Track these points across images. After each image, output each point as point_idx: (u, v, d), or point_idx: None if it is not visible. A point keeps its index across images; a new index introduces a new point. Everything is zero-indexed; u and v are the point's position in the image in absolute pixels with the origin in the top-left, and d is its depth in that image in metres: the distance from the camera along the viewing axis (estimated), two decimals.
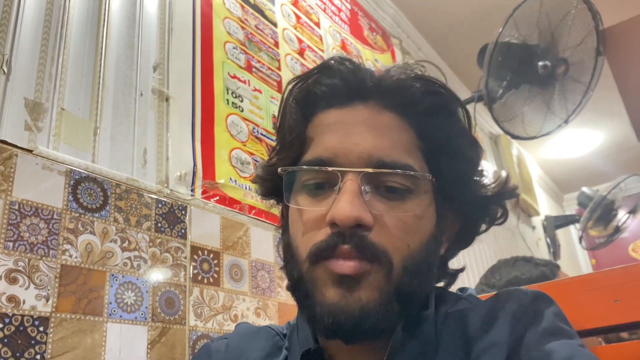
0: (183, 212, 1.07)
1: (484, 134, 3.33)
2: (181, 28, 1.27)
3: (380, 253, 0.46)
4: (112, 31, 1.09)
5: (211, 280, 1.06)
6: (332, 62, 0.52)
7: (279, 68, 1.58)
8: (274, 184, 0.55)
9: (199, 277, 1.04)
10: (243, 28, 1.49)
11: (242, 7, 1.53)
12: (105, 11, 1.09)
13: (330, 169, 0.47)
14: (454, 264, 0.58)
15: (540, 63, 1.46)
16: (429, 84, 0.51)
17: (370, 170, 0.47)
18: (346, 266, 0.45)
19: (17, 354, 0.72)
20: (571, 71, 1.45)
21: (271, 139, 1.41)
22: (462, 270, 0.58)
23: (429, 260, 0.49)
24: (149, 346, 0.90)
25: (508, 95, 1.68)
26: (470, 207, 0.54)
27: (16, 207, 0.79)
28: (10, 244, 0.77)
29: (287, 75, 1.60)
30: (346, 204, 0.45)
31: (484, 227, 0.57)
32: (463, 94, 2.94)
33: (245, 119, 1.34)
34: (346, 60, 0.52)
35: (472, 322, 0.50)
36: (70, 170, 0.89)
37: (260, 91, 1.45)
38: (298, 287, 0.49)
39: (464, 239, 0.56)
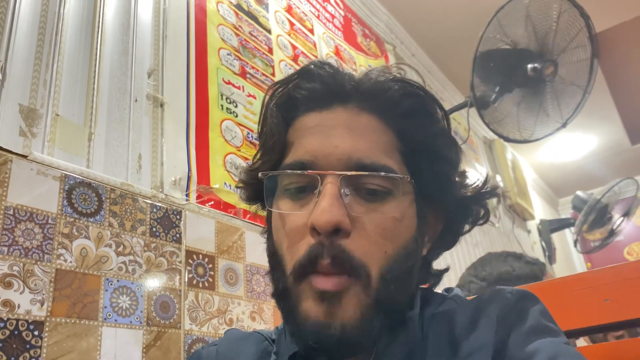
0: (178, 217, 1.07)
1: (478, 138, 3.35)
2: (175, 34, 1.28)
3: (358, 266, 0.46)
4: (106, 37, 1.10)
5: (206, 284, 1.07)
6: (312, 66, 0.53)
7: (273, 74, 1.59)
8: (258, 188, 0.55)
9: (194, 281, 1.05)
10: (237, 35, 1.50)
11: (236, 14, 1.54)
12: (100, 18, 1.10)
13: (309, 172, 0.48)
14: (441, 264, 0.58)
15: (530, 65, 1.48)
16: (407, 86, 0.52)
17: (349, 173, 0.47)
18: (327, 282, 0.45)
19: (12, 359, 0.73)
20: (561, 72, 1.46)
21: None
22: (446, 270, 0.57)
23: (408, 264, 0.49)
24: (144, 350, 0.90)
25: (501, 100, 1.69)
26: (451, 207, 0.54)
27: (11, 212, 0.80)
28: (5, 249, 0.77)
29: None
30: (325, 208, 0.45)
31: (467, 227, 0.57)
32: (457, 99, 2.95)
33: (239, 124, 1.35)
34: (325, 65, 0.53)
35: (459, 322, 0.50)
36: (65, 175, 0.89)
37: (254, 97, 1.46)
38: (283, 299, 0.49)
39: (447, 240, 0.57)
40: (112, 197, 0.96)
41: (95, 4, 1.10)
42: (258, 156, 0.55)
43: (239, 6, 1.57)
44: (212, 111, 1.28)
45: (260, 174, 0.51)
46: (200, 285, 1.06)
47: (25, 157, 0.85)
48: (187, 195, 1.12)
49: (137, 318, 0.91)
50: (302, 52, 1.81)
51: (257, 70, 1.52)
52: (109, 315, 0.87)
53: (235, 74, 1.42)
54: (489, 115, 1.71)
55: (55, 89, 0.95)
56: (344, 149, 0.48)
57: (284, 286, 0.49)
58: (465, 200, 0.55)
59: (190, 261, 1.05)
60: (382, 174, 0.47)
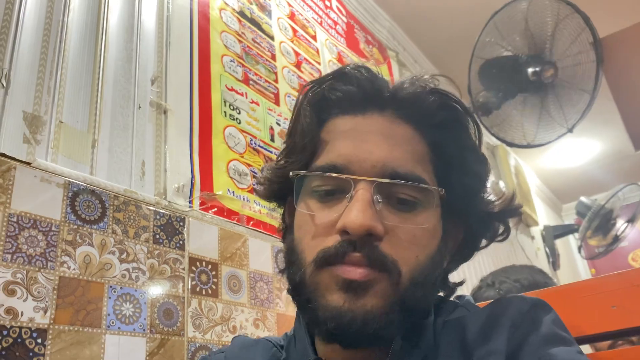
0: (181, 224, 1.07)
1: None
2: (179, 41, 1.28)
3: (389, 263, 0.45)
4: (110, 45, 1.10)
5: (209, 291, 1.06)
6: (349, 68, 0.52)
7: (276, 80, 1.59)
8: (280, 186, 0.54)
9: (198, 289, 1.04)
10: (240, 41, 1.51)
11: (239, 21, 1.55)
12: (104, 25, 1.10)
13: (344, 176, 0.47)
14: (453, 276, 0.58)
15: (530, 70, 1.48)
16: (445, 98, 0.51)
17: (384, 180, 0.47)
18: (355, 272, 0.44)
19: None
20: (562, 75, 1.46)
21: (269, 151, 1.42)
22: (461, 283, 0.57)
23: (434, 273, 0.49)
24: (147, 358, 0.89)
25: (504, 105, 1.69)
26: (473, 222, 0.54)
27: (14, 219, 0.80)
28: (9, 256, 0.77)
29: (284, 88, 1.61)
30: (359, 212, 0.44)
31: (484, 242, 0.57)
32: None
33: (242, 131, 1.35)
34: (363, 68, 0.52)
35: (471, 329, 0.49)
36: (69, 182, 0.89)
37: (257, 103, 1.46)
38: (299, 291, 0.48)
39: (465, 253, 0.56)
40: (115, 204, 0.96)
41: (99, 12, 1.10)
42: (285, 154, 0.54)
43: (242, 13, 1.57)
44: (215, 118, 1.28)
45: (291, 173, 0.50)
46: (204, 292, 1.05)
47: (29, 164, 0.85)
48: (190, 202, 1.12)
49: (140, 325, 0.91)
50: (305, 59, 1.81)
51: (260, 77, 1.52)
52: (113, 322, 0.87)
53: (238, 80, 1.42)
54: (492, 121, 1.71)
55: (59, 96, 0.96)
56: (379, 156, 0.48)
57: (302, 277, 0.48)
58: (489, 216, 0.54)
59: (193, 268, 1.05)
60: (417, 184, 0.47)
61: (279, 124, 1.51)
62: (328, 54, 1.99)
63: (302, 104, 0.53)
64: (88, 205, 0.91)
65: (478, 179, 0.53)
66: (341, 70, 0.53)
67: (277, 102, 1.55)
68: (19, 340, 0.74)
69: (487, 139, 3.38)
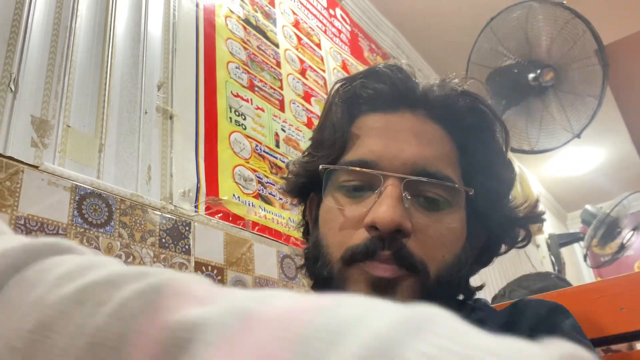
0: (187, 228, 1.07)
1: None
2: (184, 48, 1.29)
3: (417, 262, 0.46)
4: (117, 51, 1.11)
5: None
6: (381, 66, 0.53)
7: (281, 87, 1.60)
8: (306, 181, 0.55)
9: None
10: (245, 49, 1.52)
11: (245, 28, 1.56)
12: (111, 31, 1.11)
13: (374, 171, 0.48)
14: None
15: (531, 75, 1.48)
16: (475, 101, 0.52)
17: (414, 177, 0.47)
18: (384, 269, 0.45)
19: None
20: (563, 78, 1.47)
21: (274, 157, 1.42)
22: (481, 287, 0.57)
23: (459, 274, 0.50)
24: None
25: (509, 112, 1.70)
26: (496, 226, 0.54)
27: (22, 222, 0.80)
28: None
29: (289, 94, 1.62)
30: (388, 207, 0.45)
31: (504, 248, 0.57)
32: None
33: (248, 137, 1.36)
34: (395, 67, 0.53)
35: (488, 332, 0.49)
36: (76, 186, 0.90)
37: (262, 109, 1.46)
38: (326, 285, 0.49)
39: (484, 258, 0.56)
40: (122, 207, 0.96)
41: (106, 18, 1.12)
42: (314, 149, 0.55)
43: (247, 21, 1.58)
44: (220, 123, 1.29)
45: (321, 167, 0.51)
46: None
47: (36, 167, 0.86)
48: (196, 206, 1.12)
49: None
50: (310, 66, 1.82)
51: (266, 84, 1.53)
52: None
53: (243, 87, 1.43)
54: None
55: (67, 100, 0.96)
56: (410, 154, 0.48)
57: (329, 273, 0.48)
58: (512, 221, 0.54)
59: (199, 273, 1.05)
60: (446, 183, 0.48)
61: (284, 130, 1.51)
62: (332, 62, 2.00)
63: (333, 100, 0.54)
64: (95, 209, 0.91)
65: (503, 183, 0.53)
66: (373, 68, 0.53)
67: (282, 109, 1.55)
68: None
69: None
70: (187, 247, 1.05)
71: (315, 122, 1.71)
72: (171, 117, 1.17)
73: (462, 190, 0.49)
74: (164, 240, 1.01)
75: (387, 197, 0.45)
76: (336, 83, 0.55)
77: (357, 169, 0.48)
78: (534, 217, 0.56)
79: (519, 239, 0.56)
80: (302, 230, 0.57)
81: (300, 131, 1.59)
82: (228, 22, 1.50)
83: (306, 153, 0.56)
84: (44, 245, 0.26)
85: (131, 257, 0.94)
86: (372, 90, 0.52)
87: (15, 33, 0.92)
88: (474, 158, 0.51)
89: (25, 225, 0.80)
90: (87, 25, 1.07)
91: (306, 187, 0.56)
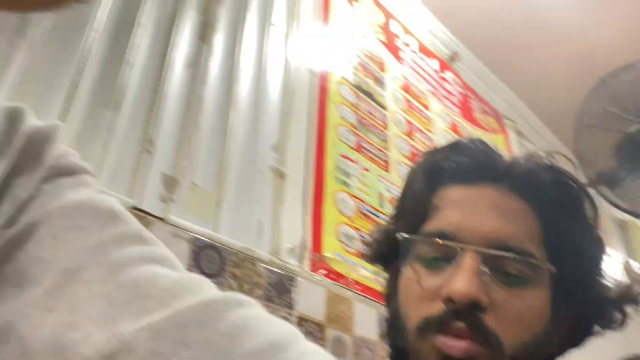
0: (291, 283, 1.12)
1: (609, 218, 3.10)
2: (299, 112, 1.39)
3: (492, 338, 0.44)
4: (239, 115, 1.23)
5: None
6: (463, 140, 0.54)
7: (387, 148, 1.64)
8: (387, 249, 0.55)
9: None
10: (355, 112, 1.59)
11: (356, 94, 1.64)
12: (234, 97, 1.23)
13: (452, 243, 0.47)
14: None
15: None
16: (561, 176, 0.51)
17: (492, 251, 0.46)
18: (456, 348, 0.44)
19: None
20: None
21: (377, 216, 1.45)
22: None
23: (539, 356, 0.48)
24: None
25: (632, 177, 1.59)
26: (586, 306, 0.52)
27: None
28: None
29: (395, 155, 1.66)
30: (464, 281, 0.44)
31: (597, 329, 0.53)
32: (582, 179, 2.79)
33: (353, 196, 1.40)
34: (477, 141, 0.53)
35: None
36: (195, 238, 0.99)
37: (368, 170, 1.51)
38: (402, 356, 0.49)
39: (575, 339, 0.53)
40: (234, 260, 1.03)
41: (231, 85, 1.24)
42: (395, 218, 0.56)
43: (358, 87, 1.67)
44: (328, 182, 1.35)
45: (399, 236, 0.51)
46: None
47: (162, 220, 0.96)
48: (300, 262, 1.17)
49: None
50: (417, 128, 1.85)
51: (372, 145, 1.58)
52: None
53: (351, 148, 1.49)
54: (618, 194, 1.60)
55: (193, 160, 1.08)
56: (490, 228, 0.48)
57: (404, 343, 0.48)
58: (604, 301, 0.52)
59: (300, 328, 1.08)
60: (527, 259, 0.47)
61: (388, 191, 1.54)
62: (441, 123, 2.02)
63: (416, 171, 0.55)
64: (210, 260, 0.99)
65: (593, 262, 0.51)
66: (456, 141, 0.54)
67: (387, 169, 1.59)
68: None
69: (617, 213, 3.12)
70: (290, 301, 1.09)
71: None
72: (282, 176, 1.25)
73: (544, 268, 0.47)
74: (270, 293, 1.06)
75: (464, 270, 0.45)
76: (420, 155, 0.56)
77: (436, 240, 0.48)
78: (629, 299, 0.52)
79: (614, 321, 0.52)
80: (386, 298, 0.57)
81: None
82: (340, 88, 1.58)
83: (388, 222, 0.57)
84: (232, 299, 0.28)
85: None
86: (454, 163, 0.52)
87: (154, 100, 1.06)
88: (560, 235, 0.49)
89: None
90: (215, 92, 1.20)
91: (387, 254, 0.56)
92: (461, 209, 0.50)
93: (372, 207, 1.45)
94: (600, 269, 0.52)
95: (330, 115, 1.49)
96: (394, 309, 0.52)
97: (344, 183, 1.40)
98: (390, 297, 0.55)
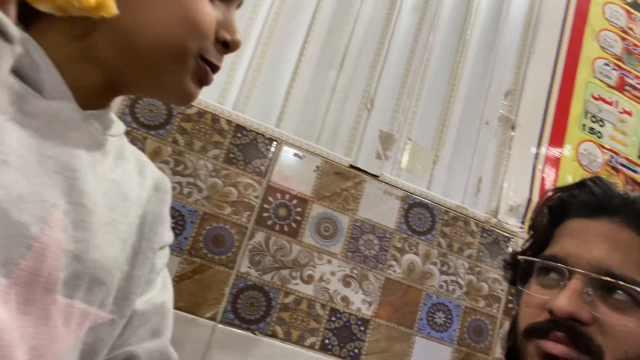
0: (507, 244, 1.08)
1: None
2: (543, 49, 1.23)
3: (593, 347, 0.48)
4: (467, 61, 1.16)
5: None
6: (587, 180, 0.59)
7: None
8: (515, 272, 0.62)
9: (513, 312, 1.05)
10: (623, 39, 1.32)
11: (629, 13, 1.35)
12: (464, 42, 1.16)
13: (559, 265, 0.53)
14: None
15: None
16: None
17: (595, 275, 0.50)
18: (557, 349, 0.49)
19: (342, 344, 0.92)
20: None
21: (634, 170, 1.23)
22: None
23: None
24: None
25: None
26: None
27: (358, 224, 0.98)
28: (350, 254, 0.96)
29: None
30: (564, 298, 0.50)
31: None
32: None
33: (602, 147, 1.22)
34: (598, 179, 0.59)
35: None
36: (407, 195, 1.02)
37: (630, 113, 1.27)
38: (512, 354, 0.57)
39: None
40: (445, 218, 1.04)
41: (463, 26, 1.16)
42: (527, 246, 0.63)
43: (634, 4, 1.36)
44: (570, 132, 1.20)
45: (519, 257, 0.59)
46: None
47: (376, 177, 1.01)
48: (522, 222, 1.11)
49: (449, 335, 0.99)
50: None
51: None
52: (424, 327, 0.98)
53: (609, 87, 1.27)
54: None
55: (412, 115, 1.08)
56: (597, 256, 0.52)
57: (514, 343, 0.56)
58: None
59: (512, 291, 1.05)
60: (629, 286, 0.50)
61: None
62: None
63: (542, 206, 0.62)
64: (420, 218, 1.02)
65: None
66: (581, 181, 0.60)
67: None
68: (348, 324, 0.93)
69: None
70: (502, 263, 1.06)
71: None
72: (513, 127, 1.16)
73: None
74: (481, 254, 1.05)
75: (568, 289, 0.50)
76: (546, 192, 0.63)
77: (546, 262, 0.55)
78: None
79: None
80: (512, 311, 0.64)
81: None
82: (607, 9, 1.32)
83: (523, 247, 0.63)
84: None
85: (446, 265, 1.02)
86: (576, 199, 0.58)
87: (378, 56, 1.08)
88: None
89: (361, 227, 0.98)
90: (443, 38, 1.15)
91: (516, 276, 0.62)
92: (574, 237, 0.55)
93: (627, 159, 1.24)
94: None
95: (586, 47, 1.27)
96: (514, 319, 0.59)
97: (593, 131, 1.22)
98: (514, 310, 0.63)
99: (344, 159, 1.00)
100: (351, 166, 1.00)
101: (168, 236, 0.57)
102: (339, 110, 1.04)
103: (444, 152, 1.09)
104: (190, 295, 0.86)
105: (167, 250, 0.58)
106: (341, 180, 0.99)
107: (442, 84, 1.13)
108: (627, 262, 0.52)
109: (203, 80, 0.47)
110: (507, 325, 1.04)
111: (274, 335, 0.90)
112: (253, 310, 0.89)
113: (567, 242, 0.55)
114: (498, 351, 1.02)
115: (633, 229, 0.54)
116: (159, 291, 0.57)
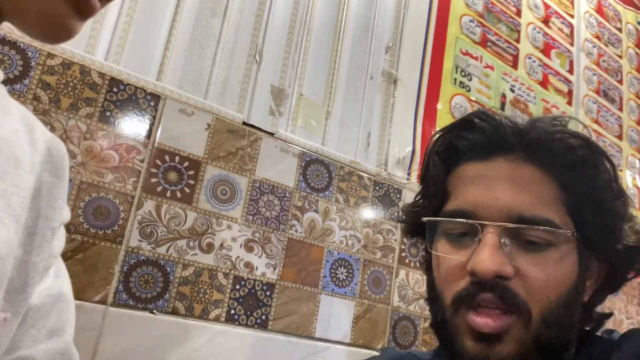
0: (397, 195, 1.10)
1: None
2: (417, 5, 1.25)
3: (520, 303, 0.47)
4: (350, 15, 1.13)
5: (417, 264, 1.10)
6: (473, 117, 0.54)
7: (517, 40, 1.46)
8: (416, 228, 0.59)
9: (406, 261, 1.08)
10: None
11: None
12: None
13: (471, 221, 0.50)
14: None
15: None
16: (571, 138, 0.51)
17: (510, 225, 0.49)
18: (486, 326, 0.47)
19: (248, 313, 0.87)
20: None
21: None
22: (608, 316, 0.56)
23: (569, 312, 0.50)
24: (354, 321, 0.98)
25: None
26: (616, 257, 0.54)
27: (257, 185, 0.92)
28: (250, 217, 0.90)
29: (526, 48, 1.48)
30: (485, 256, 0.47)
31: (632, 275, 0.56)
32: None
33: (470, 100, 1.30)
34: (485, 114, 0.54)
35: None
36: (303, 152, 0.98)
37: (492, 68, 1.37)
38: (441, 330, 0.53)
39: (611, 285, 0.56)
40: (340, 174, 1.03)
41: None
42: (419, 198, 0.59)
43: None
44: (444, 86, 1.25)
45: (423, 219, 0.55)
46: (412, 264, 1.09)
47: (272, 134, 0.96)
48: (408, 174, 1.14)
49: (351, 290, 0.99)
50: (556, 12, 1.61)
51: (500, 37, 1.41)
52: (327, 284, 0.97)
53: (475, 43, 1.35)
54: None
55: (302, 69, 1.03)
56: (505, 202, 0.50)
57: (443, 317, 0.52)
58: (632, 250, 0.53)
59: (405, 240, 1.09)
60: (542, 228, 0.48)
61: (512, 90, 1.40)
62: (585, 4, 1.74)
63: (430, 153, 0.57)
64: (317, 175, 0.99)
65: (614, 215, 0.52)
66: (466, 118, 0.55)
67: (514, 65, 1.43)
68: (253, 291, 0.88)
69: None
70: (395, 214, 1.09)
71: (552, 80, 1.54)
72: (395, 82, 1.17)
73: (563, 232, 0.49)
74: (375, 207, 1.06)
75: (485, 245, 0.48)
76: (433, 136, 0.58)
77: (456, 219, 0.51)
78: None
79: None
80: (424, 266, 0.60)
81: (532, 91, 1.45)
82: None
83: (415, 200, 0.60)
84: None
85: (345, 221, 1.01)
86: (466, 141, 0.54)
87: (261, 10, 1.00)
88: (578, 194, 0.51)
89: (260, 188, 0.92)
90: None
91: (418, 231, 0.59)
92: (476, 185, 0.52)
93: (492, 111, 1.33)
94: (624, 221, 0.53)
95: (454, 3, 1.33)
96: (431, 282, 0.56)
97: (462, 85, 1.29)
98: (427, 269, 0.59)
99: (236, 115, 0.93)
100: (244, 123, 0.93)
101: (67, 212, 0.47)
102: (227, 62, 0.95)
103: (334, 108, 1.07)
104: (74, 278, 0.73)
105: (63, 230, 0.47)
106: (235, 139, 0.91)
107: (327, 37, 1.09)
108: (535, 200, 0.50)
109: (82, 8, 0.34)
110: (402, 274, 1.07)
111: (174, 312, 0.81)
112: (149, 287, 0.80)
113: (470, 192, 0.52)
114: (396, 300, 1.05)
115: (532, 162, 0.52)
116: (53, 278, 0.46)
